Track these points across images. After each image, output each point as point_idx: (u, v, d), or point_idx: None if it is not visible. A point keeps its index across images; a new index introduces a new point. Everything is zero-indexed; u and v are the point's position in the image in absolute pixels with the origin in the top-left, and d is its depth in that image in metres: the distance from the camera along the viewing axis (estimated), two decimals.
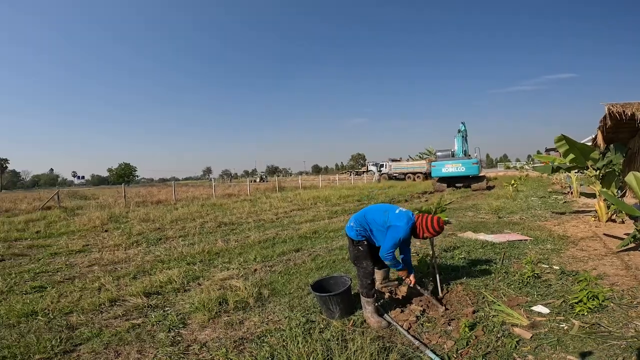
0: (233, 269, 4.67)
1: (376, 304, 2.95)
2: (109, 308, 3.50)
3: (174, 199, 16.13)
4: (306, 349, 2.33)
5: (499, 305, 2.92)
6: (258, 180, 50.98)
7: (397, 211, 3.02)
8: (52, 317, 3.29)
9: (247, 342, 2.67)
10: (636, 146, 9.22)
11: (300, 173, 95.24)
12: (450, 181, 19.28)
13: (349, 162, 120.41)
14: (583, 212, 8.47)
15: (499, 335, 2.52)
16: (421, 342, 2.48)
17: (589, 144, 9.60)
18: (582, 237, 5.59)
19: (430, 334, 2.65)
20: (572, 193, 12.81)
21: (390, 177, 34.87)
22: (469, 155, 19.50)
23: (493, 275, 3.81)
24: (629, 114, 6.63)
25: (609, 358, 2.18)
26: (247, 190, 20.78)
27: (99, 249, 6.31)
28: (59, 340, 2.78)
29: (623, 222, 6.70)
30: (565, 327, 2.59)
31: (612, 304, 2.88)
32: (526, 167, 47.85)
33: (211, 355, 2.50)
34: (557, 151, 7.73)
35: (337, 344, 2.42)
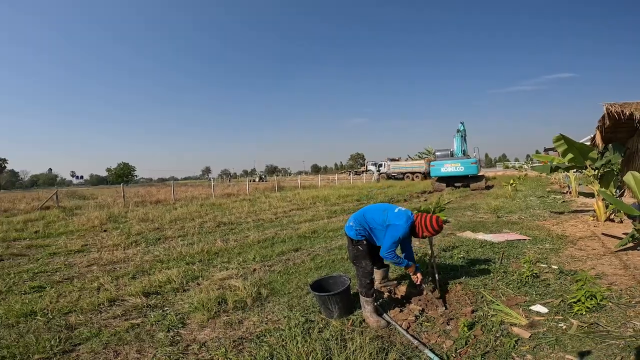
0: (232, 268, 4.67)
1: (375, 304, 2.96)
2: (108, 308, 3.50)
3: (173, 199, 16.11)
4: (305, 349, 2.33)
5: (497, 304, 2.92)
6: (257, 179, 50.95)
7: (396, 210, 3.04)
8: (51, 317, 3.28)
9: (246, 341, 2.67)
10: (635, 146, 9.24)
11: (300, 173, 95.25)
12: (449, 181, 19.29)
13: (348, 162, 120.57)
14: (581, 211, 8.49)
15: (497, 335, 2.53)
16: (420, 341, 2.49)
17: (588, 143, 9.61)
18: (580, 237, 5.60)
19: (429, 333, 2.66)
20: (570, 193, 12.82)
21: (389, 176, 34.86)
22: (468, 155, 19.50)
23: (492, 274, 3.82)
24: (628, 113, 6.65)
25: (607, 357, 2.18)
26: (246, 189, 20.76)
27: (98, 249, 6.29)
28: (58, 340, 2.78)
29: (621, 221, 6.71)
30: (564, 327, 2.60)
31: (610, 304, 2.89)
32: (525, 166, 47.85)
33: (210, 355, 2.50)
34: (556, 151, 7.73)
35: (336, 343, 2.42)
